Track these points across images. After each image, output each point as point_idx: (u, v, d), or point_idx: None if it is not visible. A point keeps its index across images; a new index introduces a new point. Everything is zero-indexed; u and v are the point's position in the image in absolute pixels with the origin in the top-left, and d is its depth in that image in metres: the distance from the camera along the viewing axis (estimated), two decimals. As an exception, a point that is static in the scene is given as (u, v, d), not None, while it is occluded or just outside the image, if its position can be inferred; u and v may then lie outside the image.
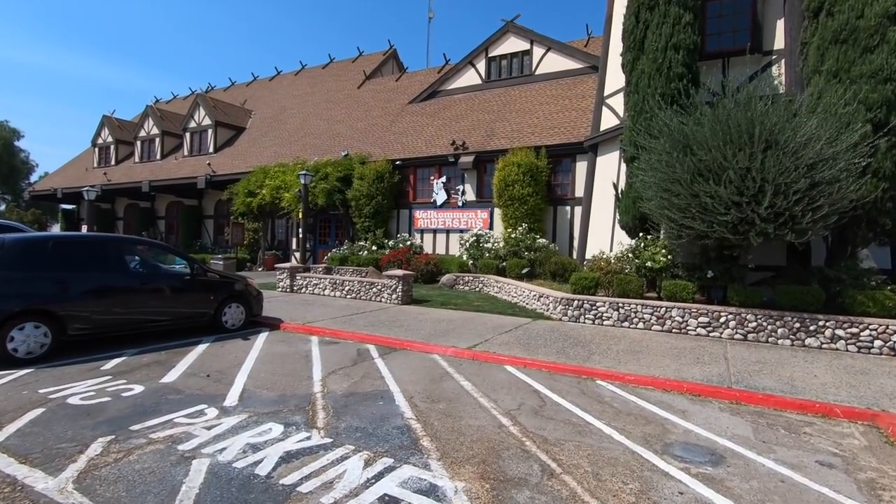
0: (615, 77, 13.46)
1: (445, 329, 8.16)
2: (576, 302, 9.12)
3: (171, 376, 5.32)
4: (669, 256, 8.90)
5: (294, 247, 22.67)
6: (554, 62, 18.48)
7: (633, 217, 9.96)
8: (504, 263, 14.24)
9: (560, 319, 9.26)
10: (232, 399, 4.61)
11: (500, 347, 6.86)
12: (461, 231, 16.94)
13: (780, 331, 7.61)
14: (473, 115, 18.78)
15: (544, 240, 14.59)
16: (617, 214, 11.32)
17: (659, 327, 8.42)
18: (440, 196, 17.56)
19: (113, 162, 31.14)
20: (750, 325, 7.80)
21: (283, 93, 30.36)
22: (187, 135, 27.38)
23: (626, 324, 8.69)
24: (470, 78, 20.41)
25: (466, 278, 14.00)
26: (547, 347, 6.92)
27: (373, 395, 4.87)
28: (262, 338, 7.55)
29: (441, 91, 21.21)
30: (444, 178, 17.60)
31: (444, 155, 17.15)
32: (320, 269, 17.01)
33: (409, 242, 17.21)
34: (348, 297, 11.93)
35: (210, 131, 26.56)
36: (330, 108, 25.59)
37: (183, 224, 27.60)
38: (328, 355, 6.51)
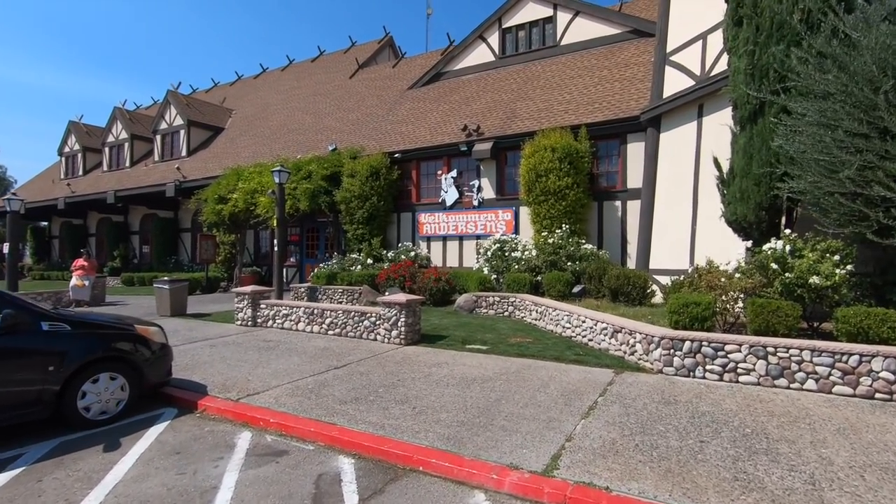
0: (683, 26, 10.07)
1: (482, 404, 4.66)
2: (687, 343, 5.61)
3: None
4: (849, 267, 5.38)
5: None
6: (584, 28, 15.11)
7: (757, 206, 6.47)
8: (539, 278, 10.76)
9: (660, 371, 5.75)
10: None
11: (609, 465, 3.36)
12: (478, 237, 13.48)
13: None
14: (487, 95, 15.40)
15: (591, 245, 11.10)
16: (718, 206, 7.84)
17: (849, 390, 4.89)
18: (450, 195, 14.12)
19: (80, 172, 27.95)
20: None
21: (268, 90, 27.13)
22: (158, 137, 24.11)
23: (781, 382, 5.17)
24: (481, 55, 17.05)
25: (490, 299, 10.51)
26: (704, 463, 3.40)
27: None
28: (144, 442, 4.05)
29: (446, 73, 17.86)
30: (454, 173, 14.18)
31: (454, 143, 13.74)
32: (303, 289, 13.57)
33: (412, 253, 13.75)
34: (330, 332, 8.44)
35: (182, 132, 23.28)
36: (318, 101, 22.29)
37: (156, 238, 24.22)
38: None
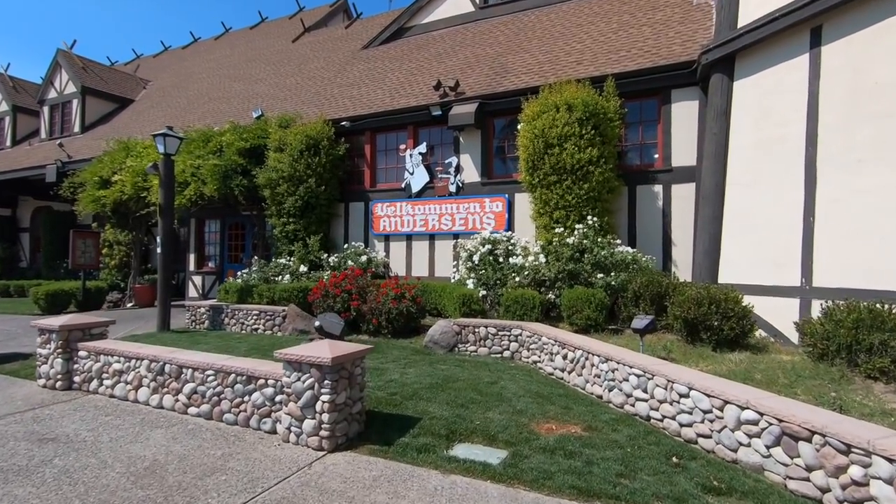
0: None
1: None
2: None
3: None
4: None
5: (192, 266, 14.89)
6: (591, -32, 11.64)
7: None
8: (552, 296, 7.13)
9: None
10: None
11: None
12: (457, 235, 9.72)
13: None
14: (467, 49, 11.69)
15: (627, 247, 7.56)
16: (870, 182, 4.38)
17: None
18: (417, 177, 10.28)
19: (-48, 153, 22.37)
20: None
21: (197, 59, 22.48)
22: (45, 109, 19.14)
23: None
24: (456, 4, 13.31)
25: (482, 331, 6.74)
26: None
27: None
28: None
29: (412, 27, 14.04)
30: (422, 148, 10.36)
31: (424, 105, 9.95)
32: (204, 309, 9.41)
33: (364, 258, 9.83)
34: (191, 410, 4.44)
35: (76, 102, 18.42)
36: (251, 67, 17.98)
37: (47, 237, 19.27)
38: None
